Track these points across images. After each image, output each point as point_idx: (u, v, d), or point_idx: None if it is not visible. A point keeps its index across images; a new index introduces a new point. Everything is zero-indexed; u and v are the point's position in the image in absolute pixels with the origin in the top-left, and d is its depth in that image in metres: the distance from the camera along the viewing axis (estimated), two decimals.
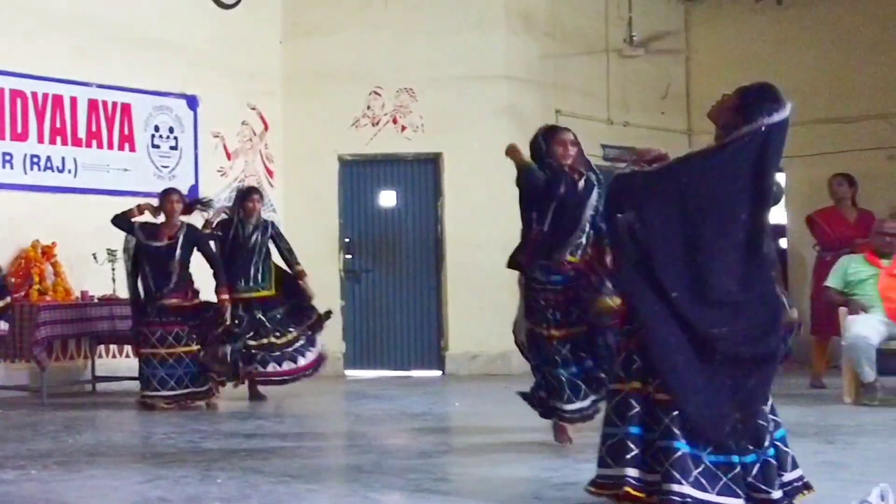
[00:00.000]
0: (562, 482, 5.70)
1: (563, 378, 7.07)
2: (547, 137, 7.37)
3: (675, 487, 4.66)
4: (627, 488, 4.78)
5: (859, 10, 14.31)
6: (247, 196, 10.61)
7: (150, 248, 9.88)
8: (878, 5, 14.17)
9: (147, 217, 10.00)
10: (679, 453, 4.71)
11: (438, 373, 13.05)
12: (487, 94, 13.18)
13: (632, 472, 4.81)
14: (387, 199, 13.38)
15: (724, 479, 4.74)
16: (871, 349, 9.18)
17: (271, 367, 10.35)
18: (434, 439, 7.76)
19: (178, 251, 9.88)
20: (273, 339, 10.35)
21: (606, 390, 5.25)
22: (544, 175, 7.17)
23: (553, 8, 13.99)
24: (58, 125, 11.37)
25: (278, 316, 10.49)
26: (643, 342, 4.88)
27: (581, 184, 7.28)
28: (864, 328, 9.25)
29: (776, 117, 4.94)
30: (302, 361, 10.45)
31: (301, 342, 10.48)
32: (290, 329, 10.48)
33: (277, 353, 10.34)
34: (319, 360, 10.65)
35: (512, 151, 7.34)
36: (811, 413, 8.75)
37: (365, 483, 5.95)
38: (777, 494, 4.84)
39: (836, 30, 14.44)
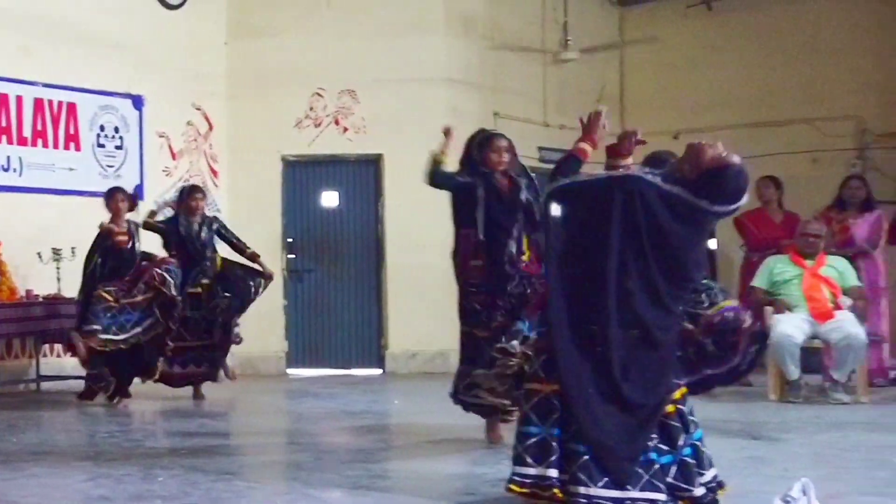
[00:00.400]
0: (495, 478, 5.75)
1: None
2: (482, 144, 7.39)
3: (582, 490, 4.75)
4: (556, 490, 4.80)
5: (786, 16, 14.48)
6: (190, 194, 10.60)
7: (119, 252, 9.87)
8: (804, 12, 14.35)
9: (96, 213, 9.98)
10: (586, 457, 4.78)
11: (379, 371, 13.06)
12: (428, 97, 13.18)
13: (554, 472, 4.86)
14: (329, 199, 13.37)
15: (647, 476, 4.80)
16: (796, 348, 9.31)
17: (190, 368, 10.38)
18: (373, 437, 7.84)
19: (134, 248, 9.95)
20: (192, 342, 10.32)
21: (523, 389, 5.23)
22: (459, 179, 7.22)
23: (491, 11, 14.01)
24: (3, 124, 11.27)
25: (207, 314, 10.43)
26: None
27: (511, 188, 7.30)
28: (789, 327, 9.37)
29: (728, 208, 4.92)
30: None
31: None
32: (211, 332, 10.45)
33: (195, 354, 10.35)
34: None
35: (446, 133, 7.41)
36: (738, 410, 8.90)
37: (304, 480, 5.96)
38: (699, 491, 4.91)
39: (763, 36, 14.59)
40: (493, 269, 7.17)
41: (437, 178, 7.40)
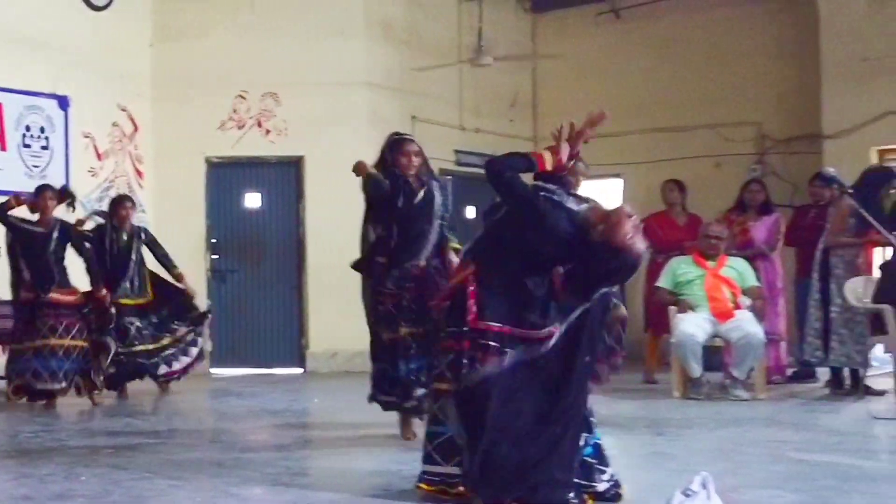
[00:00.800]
0: (411, 474, 5.69)
1: (402, 375, 7.11)
2: (392, 148, 7.36)
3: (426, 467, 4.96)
4: (462, 487, 4.82)
5: (690, 25, 14.60)
6: (119, 204, 10.55)
7: (28, 233, 9.68)
8: (708, 21, 14.49)
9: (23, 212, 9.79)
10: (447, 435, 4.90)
11: (300, 370, 13.00)
12: (348, 100, 13.15)
13: (457, 470, 4.90)
14: (252, 200, 13.32)
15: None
16: (698, 346, 9.40)
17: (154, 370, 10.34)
18: (293, 434, 7.81)
19: (53, 243, 9.72)
20: (148, 346, 10.23)
21: (431, 389, 5.28)
22: (388, 185, 7.20)
23: (410, 17, 14.02)
24: None
25: (154, 320, 10.36)
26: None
27: (421, 193, 7.30)
28: (692, 326, 9.46)
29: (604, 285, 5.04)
30: (176, 365, 10.39)
31: (174, 349, 10.39)
32: (166, 334, 10.37)
33: (155, 359, 10.25)
34: (195, 362, 10.59)
35: (359, 168, 7.31)
36: (643, 407, 8.98)
37: (225, 478, 5.92)
38: (602, 486, 4.95)
39: (669, 43, 14.70)
40: (404, 273, 7.16)
41: (372, 187, 7.30)
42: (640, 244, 4.77)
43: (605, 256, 4.76)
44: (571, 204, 4.99)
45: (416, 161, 7.32)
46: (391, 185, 7.19)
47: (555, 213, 4.92)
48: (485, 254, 5.13)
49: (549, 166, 5.12)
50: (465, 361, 4.93)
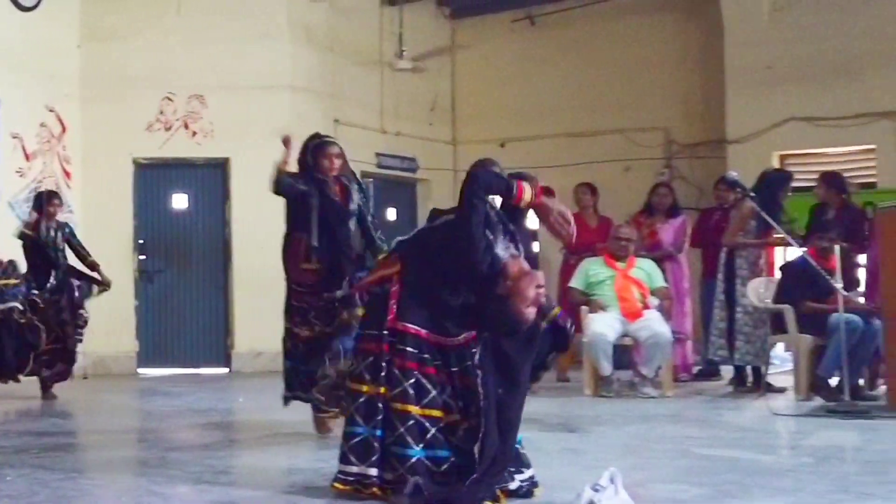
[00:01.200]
0: (330, 472, 5.63)
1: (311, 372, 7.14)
2: (314, 151, 7.33)
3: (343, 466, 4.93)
4: (375, 488, 4.83)
5: (601, 32, 14.71)
6: (49, 200, 10.39)
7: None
8: (617, 29, 14.63)
9: None
10: (414, 459, 4.82)
11: (225, 370, 12.88)
12: (272, 103, 13.05)
13: (374, 471, 4.88)
14: (179, 201, 13.16)
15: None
16: (609, 345, 9.43)
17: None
18: (217, 433, 7.74)
19: None
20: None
21: (346, 389, 5.25)
22: (300, 187, 7.20)
23: (332, 21, 13.95)
24: None
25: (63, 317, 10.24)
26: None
27: (343, 194, 7.32)
28: (602, 326, 9.49)
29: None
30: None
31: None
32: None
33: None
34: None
35: (285, 142, 7.36)
36: (556, 405, 8.97)
37: (150, 477, 5.84)
38: (514, 485, 4.97)
39: (581, 50, 14.80)
40: (324, 274, 7.15)
41: (282, 186, 7.33)
42: (531, 316, 4.84)
43: (498, 308, 4.84)
44: (501, 249, 4.98)
45: (336, 163, 7.31)
46: (308, 188, 7.18)
47: (484, 254, 4.92)
48: (412, 255, 5.11)
49: (526, 197, 5.08)
50: (383, 364, 4.91)
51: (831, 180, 10.23)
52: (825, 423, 7.71)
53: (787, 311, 9.30)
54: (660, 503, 5.07)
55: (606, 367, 9.50)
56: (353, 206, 7.34)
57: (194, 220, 13.13)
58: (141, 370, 12.73)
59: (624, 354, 10.01)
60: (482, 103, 15.40)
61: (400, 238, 5.36)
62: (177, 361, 12.92)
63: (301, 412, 7.41)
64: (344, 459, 4.99)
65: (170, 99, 13.03)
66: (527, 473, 5.08)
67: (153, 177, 13.12)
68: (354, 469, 4.94)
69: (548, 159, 14.37)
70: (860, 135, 12.79)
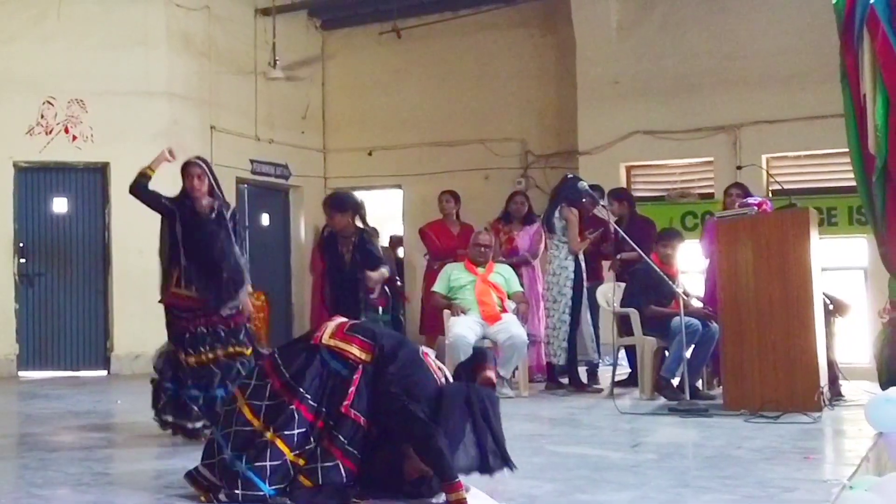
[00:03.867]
0: None
1: (193, 398, 6.97)
2: (182, 171, 7.19)
3: None
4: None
5: (462, 46, 14.82)
6: None
7: None
8: (477, 42, 14.77)
9: None
10: (261, 494, 4.75)
11: (104, 372, 12.60)
12: (151, 109, 12.85)
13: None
14: (59, 205, 12.82)
15: None
16: (469, 347, 9.26)
17: None
18: (97, 436, 7.52)
19: None
20: None
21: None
22: (163, 200, 7.13)
23: (209, 30, 13.78)
24: None
25: None
26: None
27: (211, 212, 7.13)
28: (463, 328, 9.45)
29: None
30: None
31: None
32: None
33: None
34: None
35: (170, 153, 7.25)
36: None
37: (29, 480, 5.70)
38: None
39: (444, 62, 14.88)
40: (202, 295, 6.98)
41: (138, 190, 7.16)
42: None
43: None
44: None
45: (197, 182, 7.08)
46: (173, 207, 7.07)
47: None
48: (385, 360, 4.89)
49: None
50: (311, 439, 4.80)
51: (619, 195, 10.56)
52: (668, 421, 7.85)
53: (633, 314, 9.51)
54: (515, 499, 5.08)
55: None
56: (221, 228, 7.09)
57: (74, 224, 12.81)
58: (21, 373, 12.37)
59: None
60: (351, 113, 15.39)
61: (384, 331, 5.17)
62: (57, 364, 12.61)
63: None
64: (208, 467, 4.95)
65: (50, 103, 12.72)
66: None
67: (33, 180, 12.77)
68: (211, 479, 4.89)
69: (413, 167, 14.48)
70: (699, 148, 13.12)
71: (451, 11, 14.80)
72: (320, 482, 4.70)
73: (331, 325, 5.06)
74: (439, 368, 4.99)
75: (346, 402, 4.77)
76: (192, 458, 6.17)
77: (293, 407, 4.80)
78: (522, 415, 8.35)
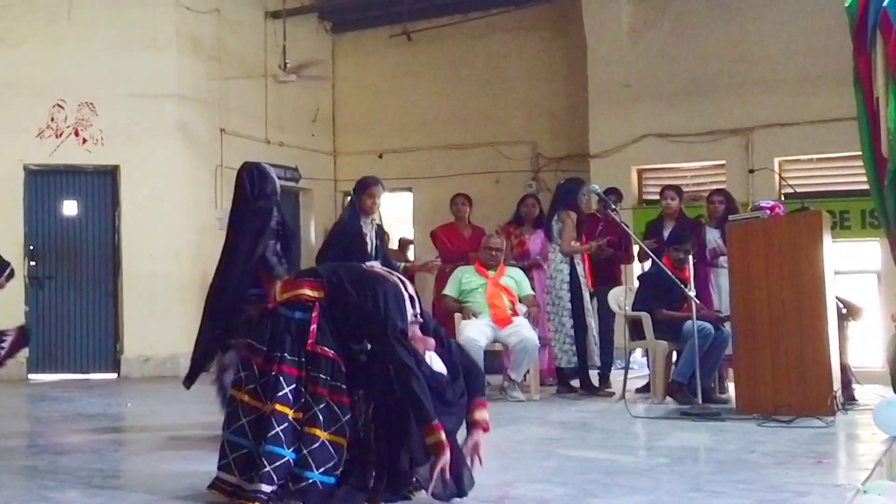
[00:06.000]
0: None
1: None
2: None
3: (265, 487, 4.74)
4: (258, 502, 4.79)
5: (473, 49, 14.84)
6: None
7: None
8: (488, 45, 14.77)
9: None
10: (310, 481, 4.76)
11: (114, 375, 12.60)
12: (161, 112, 12.88)
13: (249, 485, 4.82)
14: (69, 208, 12.84)
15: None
16: (480, 350, 9.29)
17: None
18: (107, 438, 7.54)
19: None
20: None
21: (239, 400, 5.05)
22: None
23: (219, 33, 13.81)
24: None
25: None
26: None
27: None
28: (474, 332, 9.44)
29: None
30: None
31: None
32: None
33: None
34: None
35: None
36: None
37: (40, 482, 5.69)
38: None
39: (454, 65, 14.90)
40: None
41: None
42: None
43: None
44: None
45: None
46: None
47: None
48: (336, 289, 5.01)
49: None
50: (302, 390, 4.85)
51: (680, 191, 10.52)
52: (679, 425, 7.83)
53: (645, 318, 9.50)
54: (527, 503, 5.08)
55: None
56: None
57: (84, 227, 12.82)
58: (31, 376, 12.40)
59: (495, 359, 10.05)
60: (361, 116, 15.40)
61: (326, 267, 5.27)
62: (66, 367, 12.62)
63: (188, 416, 7.34)
64: (226, 468, 4.93)
65: (60, 106, 12.75)
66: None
67: (44, 183, 12.79)
68: (232, 479, 4.90)
69: (423, 170, 14.48)
70: (711, 151, 13.10)
71: (462, 14, 14.81)
72: (322, 424, 4.80)
73: (278, 285, 5.19)
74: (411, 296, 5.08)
75: (310, 341, 4.89)
76: (202, 460, 6.22)
77: (275, 372, 4.90)
78: (534, 418, 8.37)
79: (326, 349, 4.89)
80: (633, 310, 9.64)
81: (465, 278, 9.98)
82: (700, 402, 8.42)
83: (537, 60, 14.64)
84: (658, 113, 13.34)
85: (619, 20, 13.71)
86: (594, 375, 10.42)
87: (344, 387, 4.90)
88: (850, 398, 8.74)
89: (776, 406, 7.86)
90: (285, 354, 4.92)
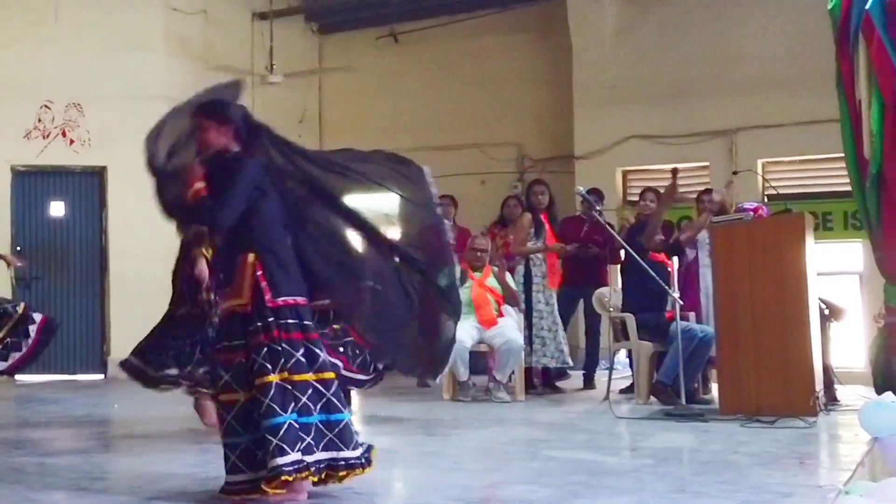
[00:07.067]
0: (205, 477, 5.64)
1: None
2: None
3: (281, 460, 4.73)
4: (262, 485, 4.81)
5: (460, 51, 14.78)
6: None
7: None
8: (474, 47, 14.70)
9: None
10: (286, 423, 4.78)
11: (101, 376, 12.57)
12: (148, 113, 12.31)
13: (263, 472, 4.81)
14: (56, 209, 12.79)
15: (330, 435, 4.91)
16: (465, 351, 9.39)
17: None
18: (94, 439, 7.53)
19: None
20: None
21: (219, 401, 5.11)
22: None
23: (206, 34, 13.76)
24: None
25: None
26: None
27: None
28: (460, 332, 9.28)
29: None
30: None
31: None
32: None
33: None
34: None
35: None
36: (417, 409, 8.97)
37: (27, 484, 5.66)
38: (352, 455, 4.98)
39: (441, 67, 14.86)
40: None
41: None
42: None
43: None
44: None
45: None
46: None
47: None
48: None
49: None
50: (279, 350, 4.89)
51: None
52: (664, 426, 7.83)
53: (629, 319, 9.49)
54: (512, 503, 5.07)
55: (463, 373, 9.49)
56: None
57: (72, 228, 12.79)
58: (17, 376, 12.18)
59: (480, 360, 10.04)
60: (348, 117, 15.35)
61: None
62: (54, 368, 12.53)
63: (175, 418, 7.31)
64: (234, 469, 4.94)
65: (48, 107, 12.72)
66: (359, 451, 5.04)
67: (31, 184, 12.75)
68: (244, 477, 4.91)
69: None
70: (695, 152, 13.10)
71: (448, 16, 14.78)
72: (305, 368, 4.91)
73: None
74: None
75: (266, 297, 4.96)
76: (188, 462, 6.22)
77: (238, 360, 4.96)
78: (519, 419, 8.40)
79: (287, 299, 4.95)
80: (621, 310, 9.63)
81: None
82: (684, 402, 8.43)
83: (523, 62, 14.63)
84: (642, 114, 13.35)
85: (605, 22, 13.71)
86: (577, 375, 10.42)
87: (309, 323, 5.00)
88: (832, 399, 8.76)
89: (759, 407, 7.87)
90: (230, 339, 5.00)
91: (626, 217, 10.43)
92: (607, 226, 9.67)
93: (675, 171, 9.55)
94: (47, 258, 12.72)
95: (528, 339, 9.93)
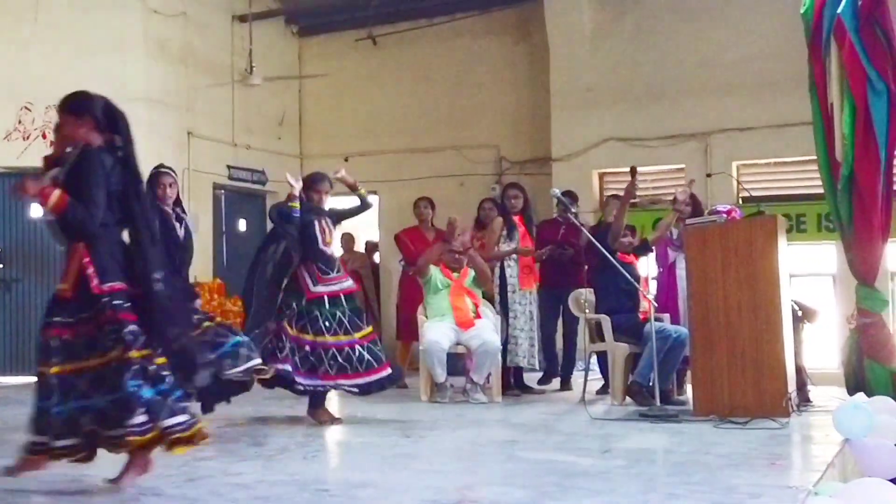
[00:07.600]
0: (182, 481, 5.62)
1: None
2: (149, 181, 7.25)
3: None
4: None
5: (438, 53, 14.82)
6: None
7: None
8: (453, 49, 14.76)
9: None
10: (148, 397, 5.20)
11: None
12: (128, 115, 12.60)
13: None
14: (37, 211, 12.62)
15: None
16: (443, 353, 9.41)
17: None
18: None
19: None
20: None
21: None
22: None
23: (186, 36, 13.71)
24: None
25: None
26: None
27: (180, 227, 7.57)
28: (437, 334, 9.47)
29: None
30: None
31: None
32: None
33: None
34: None
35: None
36: (394, 410, 8.92)
37: (3, 487, 5.64)
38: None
39: (419, 69, 14.89)
40: None
41: None
42: None
43: None
44: None
45: (168, 192, 7.53)
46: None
47: None
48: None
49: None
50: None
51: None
52: (638, 427, 7.84)
53: (605, 320, 9.50)
54: None
55: (440, 374, 9.46)
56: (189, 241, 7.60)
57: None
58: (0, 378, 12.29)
59: (458, 362, 10.04)
60: (327, 119, 15.37)
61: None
62: (34, 369, 12.40)
63: None
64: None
65: (28, 109, 12.63)
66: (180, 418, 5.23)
67: (11, 186, 12.63)
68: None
69: (389, 174, 14.45)
70: (671, 155, 13.16)
71: (427, 19, 14.80)
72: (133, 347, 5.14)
73: None
74: None
75: (93, 284, 5.27)
76: (167, 463, 6.16)
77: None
78: (495, 421, 8.37)
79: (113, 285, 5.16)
80: (595, 312, 9.64)
81: (434, 276, 9.91)
82: (659, 403, 8.43)
83: (501, 65, 14.66)
84: (619, 117, 13.40)
85: (581, 25, 13.74)
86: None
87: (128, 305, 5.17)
88: (805, 400, 8.79)
89: (732, 408, 7.89)
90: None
91: (605, 220, 10.41)
92: (581, 227, 9.69)
93: (633, 170, 9.56)
94: (27, 260, 12.63)
95: (504, 340, 9.94)
